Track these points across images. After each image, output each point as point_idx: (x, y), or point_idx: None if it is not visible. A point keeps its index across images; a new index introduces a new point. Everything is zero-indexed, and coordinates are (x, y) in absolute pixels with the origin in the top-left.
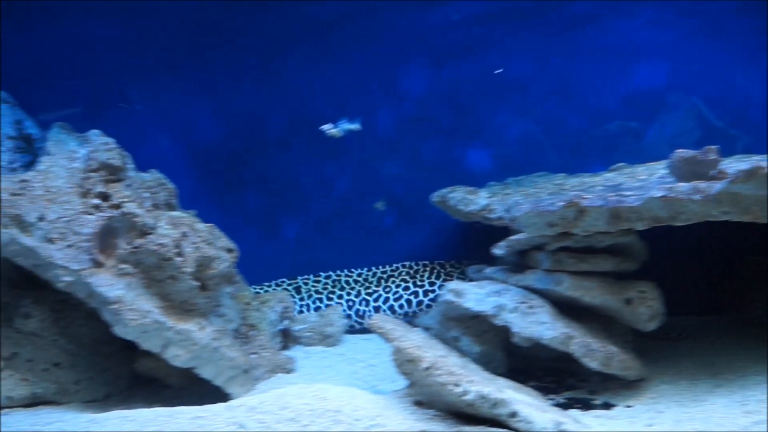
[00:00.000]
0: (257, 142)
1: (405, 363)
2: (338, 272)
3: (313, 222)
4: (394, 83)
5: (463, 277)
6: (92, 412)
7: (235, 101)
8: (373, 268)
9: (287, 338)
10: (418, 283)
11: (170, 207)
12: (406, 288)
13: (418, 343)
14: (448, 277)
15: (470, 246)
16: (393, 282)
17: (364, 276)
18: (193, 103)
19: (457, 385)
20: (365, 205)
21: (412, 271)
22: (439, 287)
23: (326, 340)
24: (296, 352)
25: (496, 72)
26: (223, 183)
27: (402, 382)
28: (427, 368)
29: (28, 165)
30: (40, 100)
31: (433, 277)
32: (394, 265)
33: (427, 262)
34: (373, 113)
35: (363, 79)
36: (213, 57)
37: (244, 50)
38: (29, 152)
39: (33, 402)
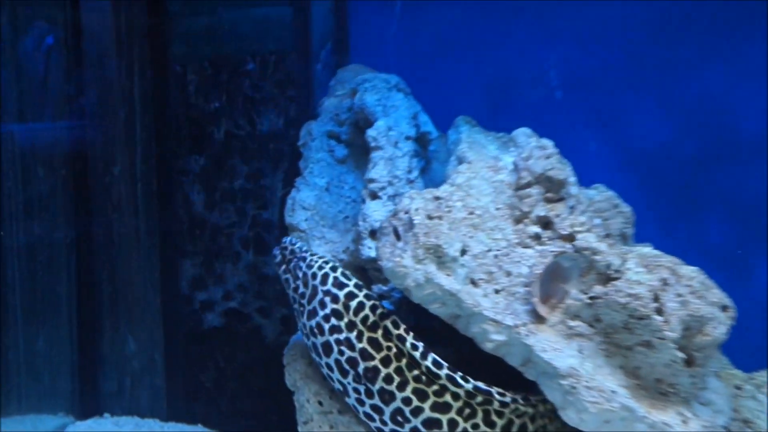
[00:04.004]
0: (723, 146)
1: None
2: None
3: None
4: None
5: None
6: None
7: (689, 89)
8: None
9: None
10: None
11: (624, 238)
12: None
13: None
14: None
15: None
16: None
17: None
18: (631, 92)
19: None
20: None
21: None
22: None
23: None
24: None
25: None
26: (673, 202)
27: None
28: None
29: (422, 173)
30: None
31: None
32: None
33: None
34: None
35: None
36: (655, 31)
37: (701, 23)
38: (422, 156)
39: None
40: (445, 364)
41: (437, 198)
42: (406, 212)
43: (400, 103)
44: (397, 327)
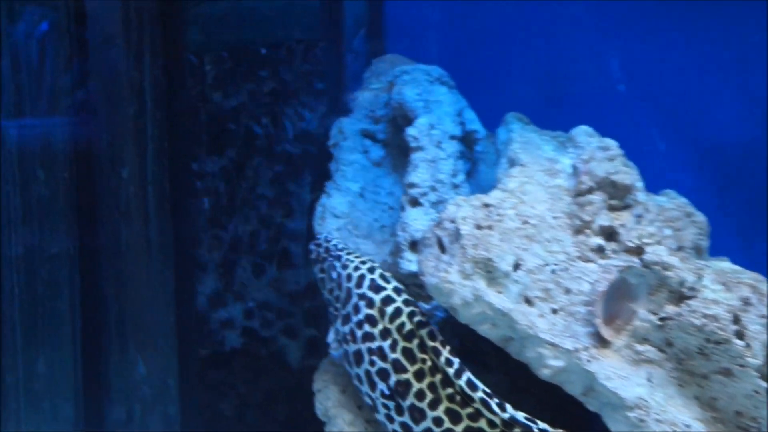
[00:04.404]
0: None
1: None
2: None
3: None
4: None
5: None
6: None
7: None
8: None
9: None
10: None
11: (698, 251)
12: None
13: None
14: None
15: None
16: None
17: None
18: (706, 84)
19: None
20: None
21: None
22: None
23: None
24: None
25: None
26: (756, 209)
27: None
28: None
29: (468, 177)
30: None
31: None
32: None
33: None
34: None
35: None
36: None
37: None
38: (468, 158)
39: None
40: (482, 387)
41: (487, 205)
42: (452, 221)
43: (443, 98)
44: (433, 338)
